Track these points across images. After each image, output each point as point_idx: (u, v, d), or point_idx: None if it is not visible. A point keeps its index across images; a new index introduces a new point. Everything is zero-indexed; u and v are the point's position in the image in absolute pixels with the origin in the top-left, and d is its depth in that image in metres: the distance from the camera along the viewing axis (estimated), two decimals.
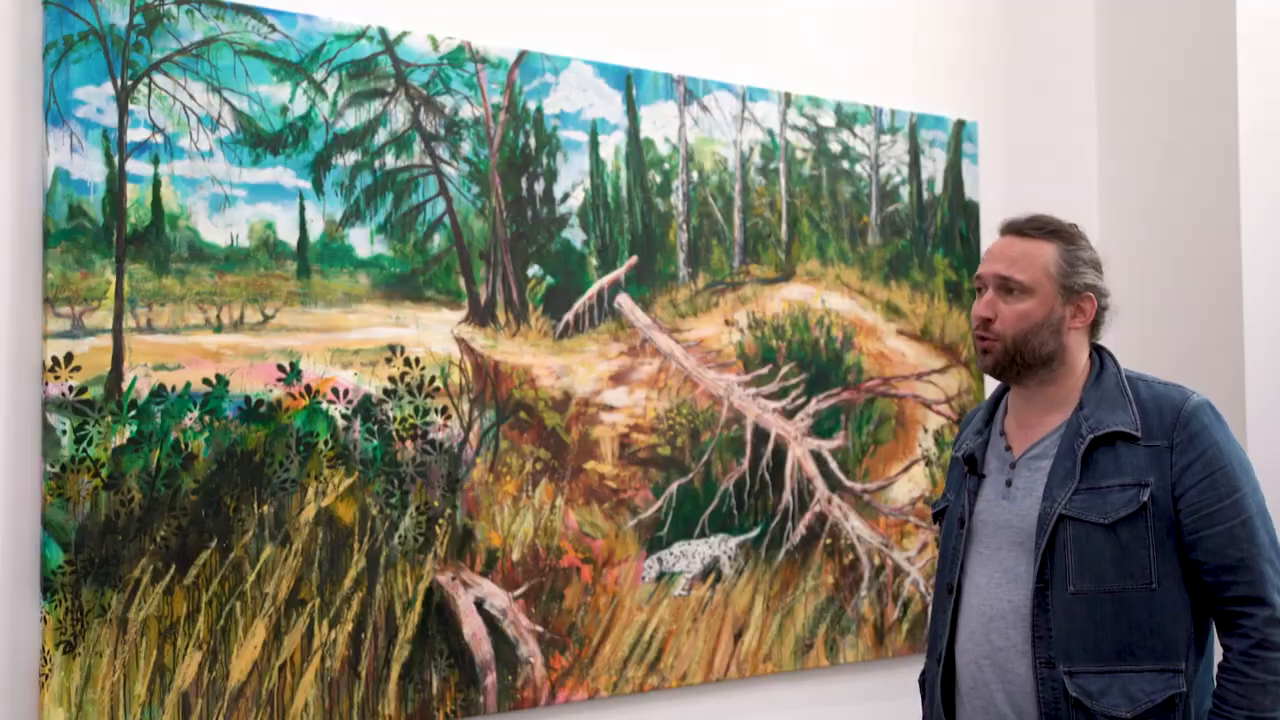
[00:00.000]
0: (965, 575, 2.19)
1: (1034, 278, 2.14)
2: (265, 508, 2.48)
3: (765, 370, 3.14)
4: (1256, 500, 2.06)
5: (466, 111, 2.75)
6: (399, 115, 2.67)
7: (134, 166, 2.39)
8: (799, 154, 3.21)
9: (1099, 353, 2.21)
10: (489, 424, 2.74)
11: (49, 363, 2.29)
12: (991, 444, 2.25)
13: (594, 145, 2.91)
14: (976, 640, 2.15)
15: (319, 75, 2.58)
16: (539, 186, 2.84)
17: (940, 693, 2.21)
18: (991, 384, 3.48)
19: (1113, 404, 2.11)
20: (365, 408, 2.60)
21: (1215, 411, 2.11)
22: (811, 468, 3.19)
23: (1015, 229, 2.20)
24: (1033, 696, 2.08)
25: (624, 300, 2.94)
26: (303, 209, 2.56)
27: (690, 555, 2.99)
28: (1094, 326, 2.20)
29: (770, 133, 3.17)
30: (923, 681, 2.32)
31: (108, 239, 2.35)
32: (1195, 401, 2.10)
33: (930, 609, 2.30)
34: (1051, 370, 2.17)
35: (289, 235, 2.54)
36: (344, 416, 2.57)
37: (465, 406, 2.71)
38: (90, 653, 2.30)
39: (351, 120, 2.62)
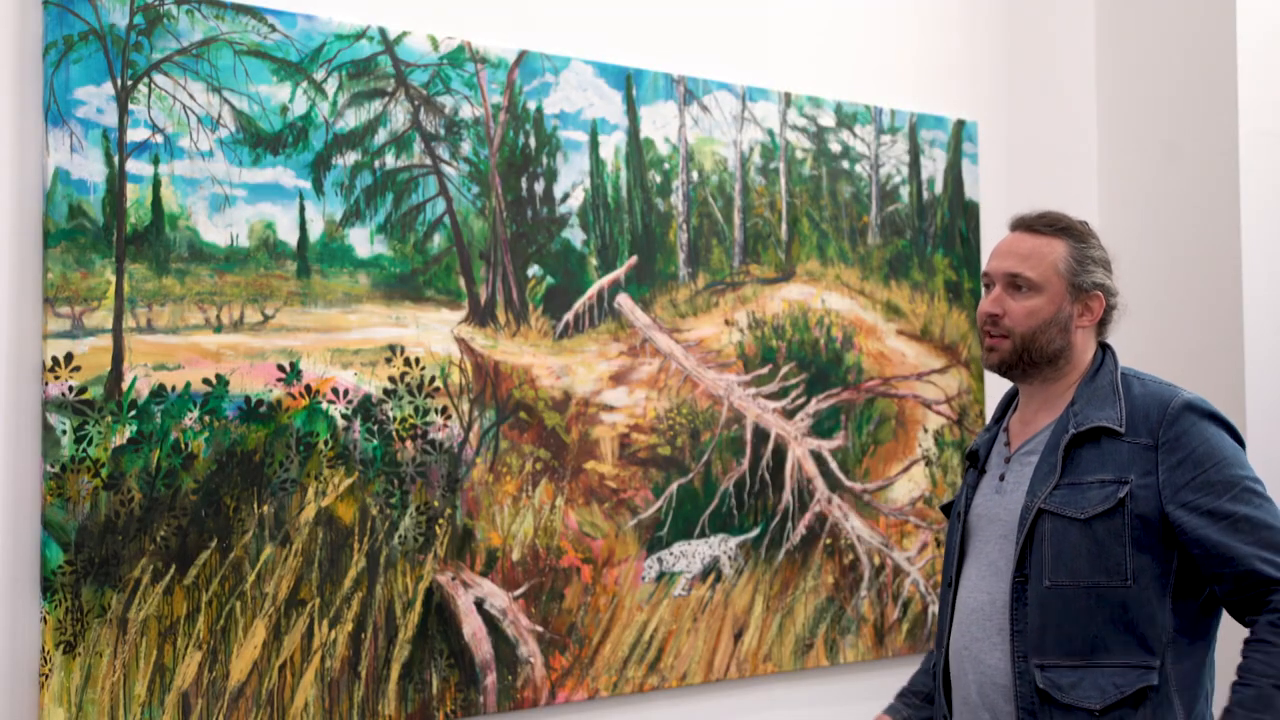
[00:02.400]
0: (963, 568, 2.21)
1: (1043, 275, 2.13)
2: (265, 508, 2.48)
3: (765, 370, 3.14)
4: (1255, 488, 2.04)
5: (466, 111, 2.75)
6: (399, 115, 2.67)
7: (134, 166, 2.39)
8: (799, 154, 3.21)
9: (1103, 350, 2.21)
10: (489, 424, 2.74)
11: (49, 363, 2.29)
12: (997, 441, 2.26)
13: (594, 145, 2.90)
14: (960, 632, 2.17)
15: (319, 75, 2.58)
16: (539, 186, 2.83)
17: (942, 684, 2.23)
18: (991, 384, 3.48)
19: (1102, 401, 2.11)
20: (365, 408, 2.60)
21: (1204, 408, 2.08)
22: (811, 468, 3.19)
23: (1025, 225, 2.19)
24: (1008, 690, 2.08)
25: (624, 300, 2.94)
26: (303, 209, 2.56)
27: (690, 555, 2.99)
28: (1101, 325, 2.19)
29: (770, 133, 3.17)
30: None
31: (108, 239, 2.35)
32: (1183, 399, 2.08)
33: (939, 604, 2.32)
34: (1057, 368, 2.16)
35: (289, 235, 2.54)
36: (344, 416, 2.57)
37: (465, 406, 2.71)
38: (90, 653, 2.30)
39: (351, 120, 2.62)
